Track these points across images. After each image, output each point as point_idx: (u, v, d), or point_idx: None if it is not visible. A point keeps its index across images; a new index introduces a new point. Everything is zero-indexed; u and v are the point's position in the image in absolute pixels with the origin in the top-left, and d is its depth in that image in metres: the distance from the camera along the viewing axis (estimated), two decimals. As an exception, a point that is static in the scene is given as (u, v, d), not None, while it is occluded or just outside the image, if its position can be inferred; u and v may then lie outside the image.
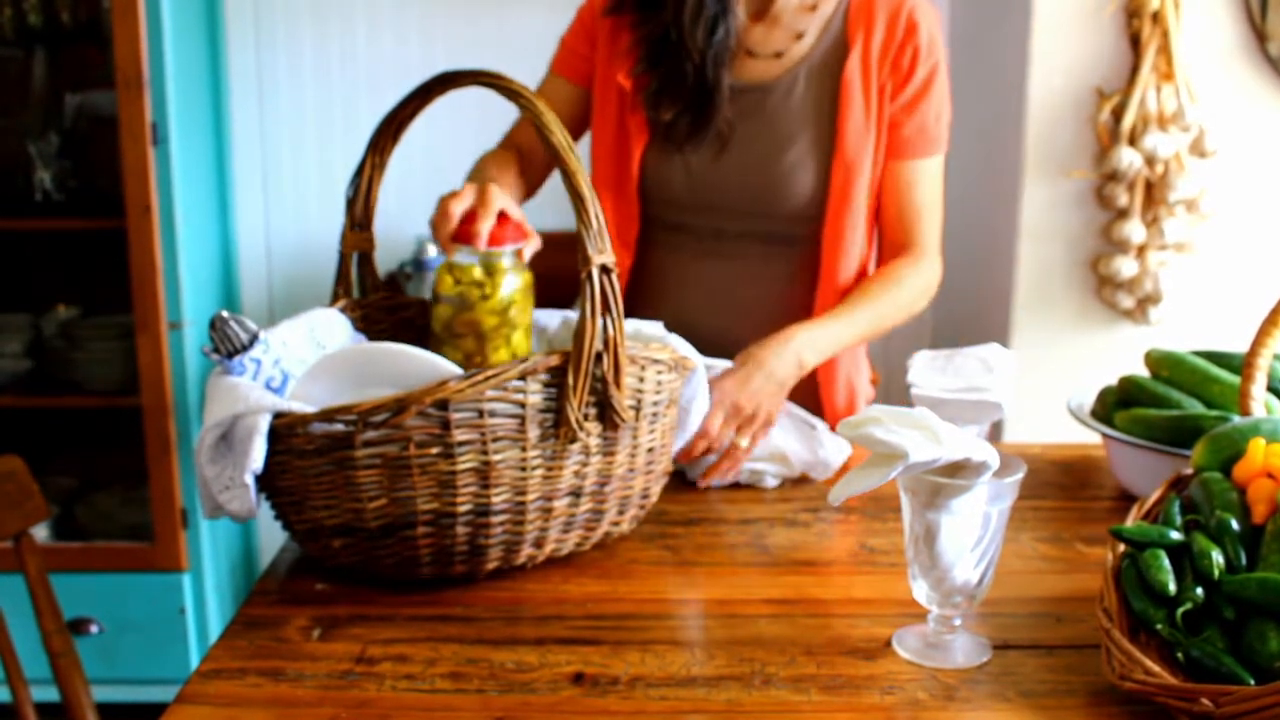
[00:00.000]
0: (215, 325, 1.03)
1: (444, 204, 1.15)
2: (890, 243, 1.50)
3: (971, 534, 0.89)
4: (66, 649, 1.39)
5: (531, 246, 1.18)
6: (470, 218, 1.13)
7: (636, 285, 1.54)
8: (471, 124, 2.76)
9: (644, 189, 1.49)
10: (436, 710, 0.84)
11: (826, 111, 1.44)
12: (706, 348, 1.47)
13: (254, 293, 2.88)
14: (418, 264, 2.61)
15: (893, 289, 1.45)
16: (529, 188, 1.53)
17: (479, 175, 1.44)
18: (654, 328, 1.21)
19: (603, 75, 1.50)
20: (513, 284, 1.15)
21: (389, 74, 2.81)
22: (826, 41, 1.45)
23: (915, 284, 1.47)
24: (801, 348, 1.34)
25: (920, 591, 0.93)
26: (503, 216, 1.14)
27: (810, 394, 1.50)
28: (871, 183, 1.47)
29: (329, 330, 1.18)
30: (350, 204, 1.20)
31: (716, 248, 1.49)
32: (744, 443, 1.28)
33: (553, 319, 1.27)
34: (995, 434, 2.41)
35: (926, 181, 1.49)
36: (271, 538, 2.93)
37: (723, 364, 1.41)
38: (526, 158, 1.52)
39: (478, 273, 1.14)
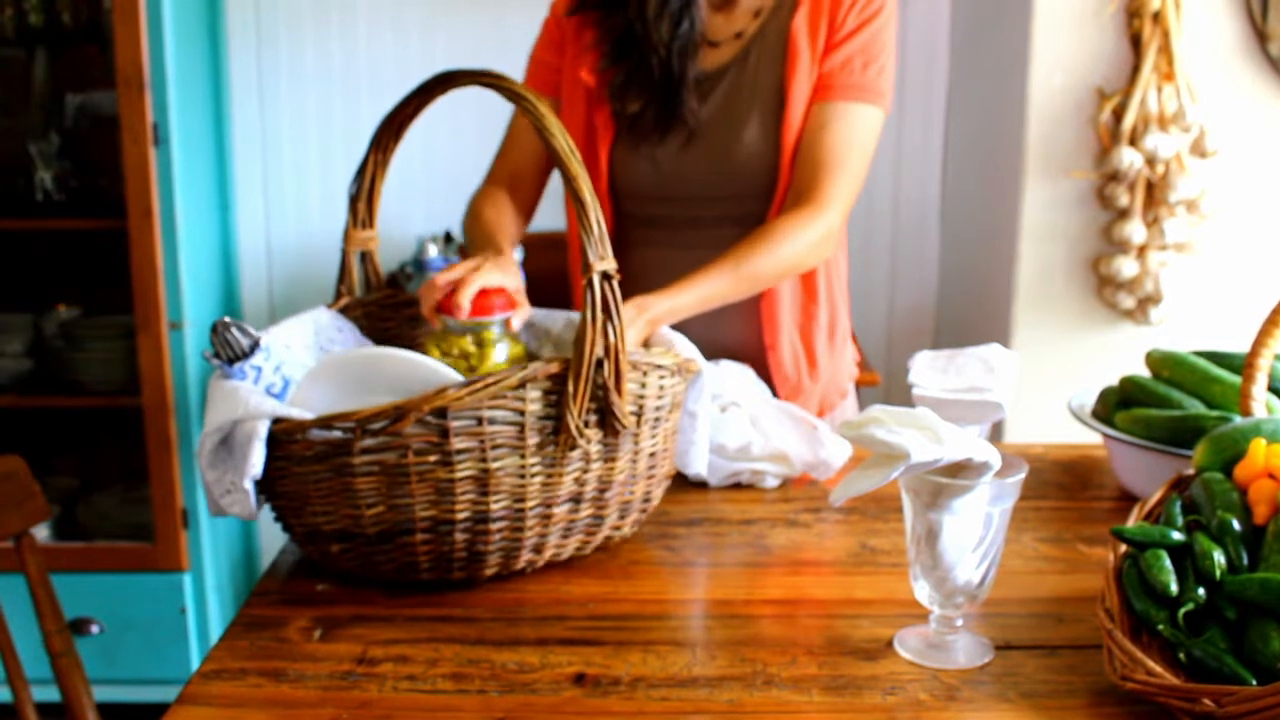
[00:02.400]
0: (217, 331, 1.02)
1: (434, 277, 1.16)
2: (793, 189, 1.42)
3: (973, 534, 0.89)
4: (67, 649, 1.39)
5: (520, 316, 1.18)
6: (455, 287, 1.14)
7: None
8: (471, 124, 2.76)
9: (614, 186, 1.50)
10: (438, 711, 0.84)
11: (776, 73, 1.43)
12: (691, 342, 1.47)
13: (254, 293, 2.89)
14: (419, 264, 2.61)
15: (767, 248, 1.35)
16: (525, 215, 1.53)
17: (480, 227, 1.43)
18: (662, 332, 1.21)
19: (569, 74, 1.50)
20: (502, 355, 1.15)
21: (390, 75, 2.82)
22: (778, 14, 1.45)
23: (801, 240, 1.37)
24: (646, 314, 1.26)
25: (922, 592, 0.93)
26: (495, 287, 1.15)
27: (758, 358, 1.51)
28: None
29: (334, 336, 1.18)
30: (353, 202, 1.20)
31: (691, 237, 1.48)
32: None
33: (555, 320, 1.27)
34: (996, 434, 2.41)
35: (842, 126, 1.40)
36: (272, 538, 2.93)
37: (731, 365, 1.41)
38: (516, 186, 1.52)
39: (468, 344, 1.13)
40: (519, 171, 1.53)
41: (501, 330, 1.15)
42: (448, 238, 2.69)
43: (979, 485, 0.88)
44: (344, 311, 1.23)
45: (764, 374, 1.51)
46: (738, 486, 1.30)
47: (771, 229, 1.37)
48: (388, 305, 1.27)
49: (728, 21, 1.47)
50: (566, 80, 1.51)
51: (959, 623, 0.93)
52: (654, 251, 1.51)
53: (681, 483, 1.29)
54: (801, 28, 1.42)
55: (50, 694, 1.43)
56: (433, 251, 2.60)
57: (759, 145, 1.43)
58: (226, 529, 2.70)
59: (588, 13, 1.48)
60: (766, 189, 1.45)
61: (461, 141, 2.81)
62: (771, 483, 1.29)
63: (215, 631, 2.58)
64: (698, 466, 1.22)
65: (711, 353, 1.41)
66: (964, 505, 0.88)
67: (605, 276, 0.97)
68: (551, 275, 2.64)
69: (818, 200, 1.39)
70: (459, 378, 0.99)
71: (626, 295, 1.53)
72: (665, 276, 1.47)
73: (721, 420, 1.29)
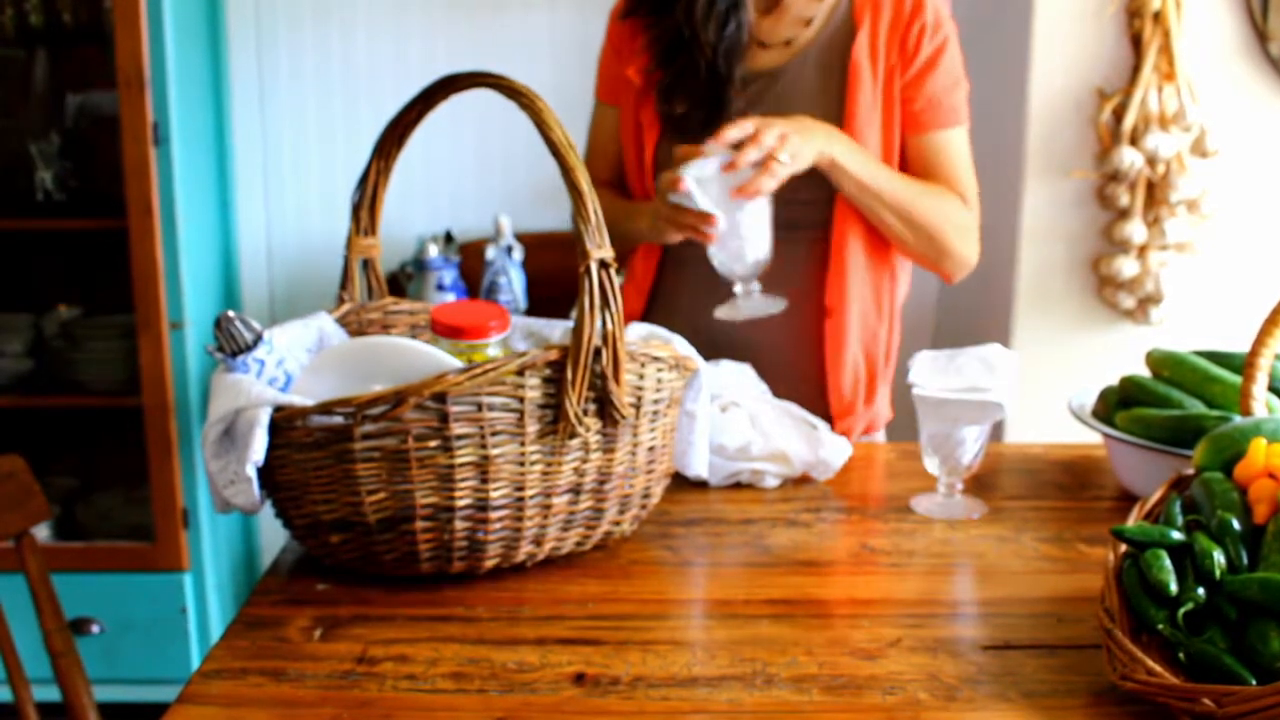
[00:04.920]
0: (220, 324, 1.03)
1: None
2: None
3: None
4: (68, 649, 1.39)
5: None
6: (452, 313, 1.14)
7: (659, 282, 1.57)
8: (471, 124, 2.77)
9: (659, 182, 1.51)
10: (438, 710, 0.84)
11: (834, 91, 1.46)
12: (719, 343, 1.48)
13: (255, 293, 2.89)
14: (419, 264, 2.61)
15: (940, 195, 1.48)
16: None
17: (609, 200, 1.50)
18: (661, 332, 1.21)
19: (621, 74, 1.53)
20: None
21: (390, 75, 2.82)
22: (833, 24, 1.48)
23: (961, 216, 1.49)
24: (839, 138, 1.39)
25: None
26: (492, 306, 1.16)
27: (818, 385, 1.52)
28: (879, 157, 1.49)
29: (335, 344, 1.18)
30: (355, 210, 1.20)
31: None
32: (783, 157, 1.29)
33: (554, 329, 1.27)
34: (997, 433, 2.41)
35: (950, 151, 1.51)
36: (273, 538, 2.93)
37: (731, 364, 1.41)
38: (618, 187, 1.59)
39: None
40: (607, 181, 1.59)
41: (498, 351, 1.15)
42: (448, 237, 2.69)
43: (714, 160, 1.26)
44: (345, 318, 1.23)
45: (820, 392, 1.52)
46: (738, 486, 1.30)
47: (941, 190, 1.48)
48: (390, 312, 1.27)
49: (776, 25, 1.49)
50: (622, 83, 1.54)
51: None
52: (691, 250, 1.52)
53: (681, 482, 1.29)
54: (863, 52, 1.45)
55: (51, 694, 1.43)
56: (433, 251, 2.60)
57: None
58: (227, 529, 2.70)
59: (639, 18, 1.51)
60: (810, 196, 1.47)
61: (461, 141, 2.82)
62: (771, 482, 1.29)
63: (215, 631, 2.58)
64: (697, 467, 1.22)
65: (767, 362, 1.45)
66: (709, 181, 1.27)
67: (602, 265, 0.98)
68: (552, 275, 2.64)
69: (968, 204, 1.51)
70: (459, 364, 1.00)
71: (666, 288, 1.57)
72: (700, 273, 1.48)
73: (721, 420, 1.29)
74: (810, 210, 1.48)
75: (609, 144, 1.61)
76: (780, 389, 1.41)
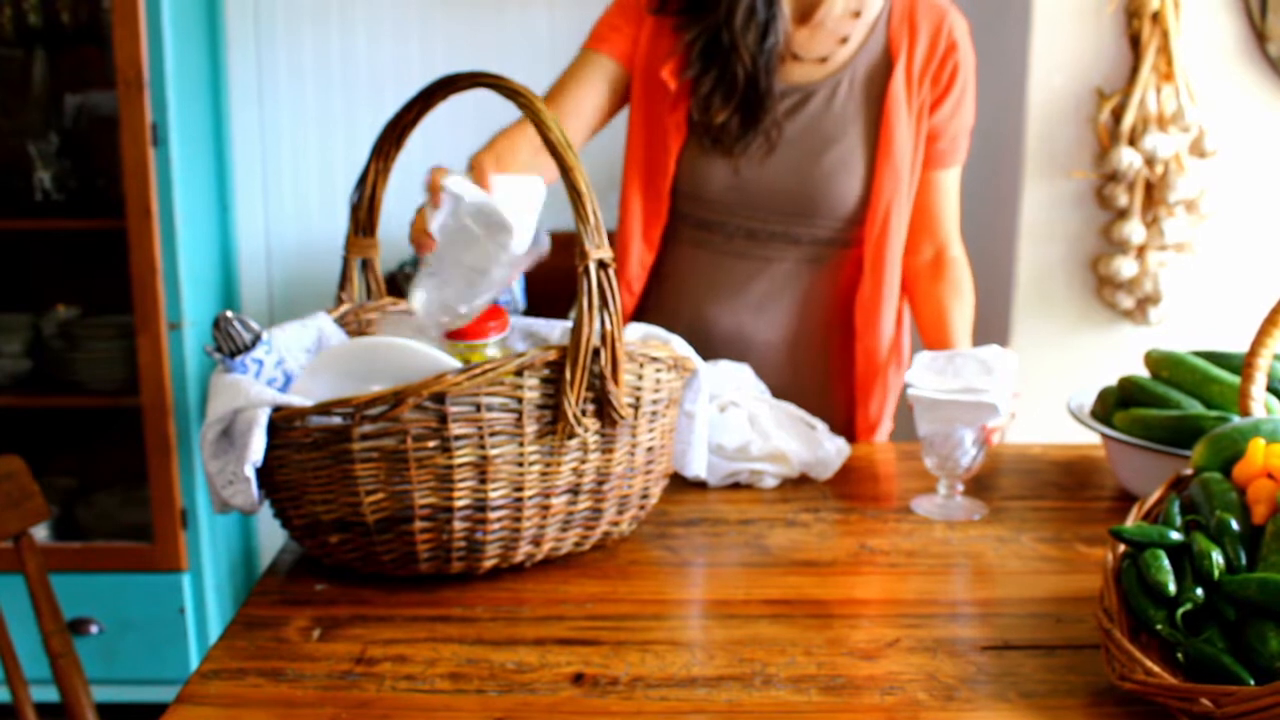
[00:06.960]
0: (219, 325, 1.03)
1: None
2: (924, 244, 1.57)
3: None
4: (66, 649, 1.39)
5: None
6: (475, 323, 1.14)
7: (655, 283, 1.55)
8: (470, 122, 2.76)
9: (678, 185, 1.50)
10: (436, 710, 0.84)
11: (871, 117, 1.47)
12: (726, 347, 1.48)
13: (254, 293, 2.88)
14: (417, 264, 2.61)
15: (968, 300, 1.57)
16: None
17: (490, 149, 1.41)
18: (660, 332, 1.21)
19: (644, 71, 1.49)
20: None
21: (389, 75, 2.81)
22: (871, 49, 1.48)
23: (970, 283, 1.58)
24: None
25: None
26: (490, 306, 1.16)
27: (846, 405, 1.55)
28: (911, 190, 1.50)
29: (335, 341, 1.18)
30: (354, 210, 1.20)
31: (745, 248, 1.50)
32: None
33: (553, 329, 1.27)
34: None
35: (952, 187, 1.57)
36: (271, 538, 2.93)
37: (729, 364, 1.41)
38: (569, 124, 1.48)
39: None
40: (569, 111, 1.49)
41: (497, 351, 1.15)
42: (447, 238, 2.69)
43: None
44: (344, 318, 1.23)
45: (849, 415, 1.56)
46: (736, 486, 1.30)
47: (962, 290, 1.57)
48: (389, 313, 1.27)
49: (811, 39, 1.48)
50: (641, 75, 1.49)
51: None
52: (702, 253, 1.52)
53: (680, 482, 1.29)
54: (899, 86, 1.46)
55: (49, 694, 1.43)
56: (432, 251, 2.60)
57: (846, 176, 1.46)
58: (225, 529, 2.69)
59: (666, 16, 1.47)
60: (841, 216, 1.48)
61: (461, 141, 2.80)
62: (770, 482, 1.29)
63: (214, 631, 2.58)
64: (696, 468, 1.22)
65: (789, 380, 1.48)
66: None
67: (601, 265, 0.98)
68: (551, 275, 2.64)
69: (957, 249, 1.59)
70: (458, 364, 1.00)
71: (662, 292, 1.56)
72: (707, 279, 1.49)
73: (720, 420, 1.29)
74: (840, 228, 1.49)
75: (590, 98, 1.48)
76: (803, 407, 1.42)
